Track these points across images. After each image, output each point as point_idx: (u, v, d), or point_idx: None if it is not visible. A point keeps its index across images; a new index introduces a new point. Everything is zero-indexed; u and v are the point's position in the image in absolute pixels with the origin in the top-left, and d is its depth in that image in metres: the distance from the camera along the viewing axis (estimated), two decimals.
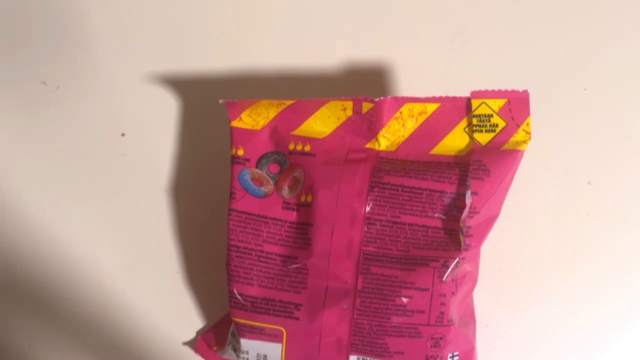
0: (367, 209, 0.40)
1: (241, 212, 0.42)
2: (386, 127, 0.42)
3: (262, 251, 0.42)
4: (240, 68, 0.49)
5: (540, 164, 0.47)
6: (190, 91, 0.49)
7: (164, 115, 0.49)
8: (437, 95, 0.43)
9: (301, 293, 0.41)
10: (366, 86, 0.49)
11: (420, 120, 0.42)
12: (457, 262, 0.40)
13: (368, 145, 0.42)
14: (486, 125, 0.41)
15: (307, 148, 0.42)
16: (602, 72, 0.48)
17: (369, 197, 0.40)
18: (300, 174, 0.42)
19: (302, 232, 0.41)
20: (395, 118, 0.42)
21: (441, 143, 0.41)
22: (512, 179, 0.40)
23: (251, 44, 0.49)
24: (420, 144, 0.42)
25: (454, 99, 0.41)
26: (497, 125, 0.40)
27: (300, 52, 0.49)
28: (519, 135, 0.40)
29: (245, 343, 0.42)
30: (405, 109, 0.41)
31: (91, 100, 0.49)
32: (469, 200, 0.39)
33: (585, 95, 0.48)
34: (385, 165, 0.41)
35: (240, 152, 0.42)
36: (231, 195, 0.42)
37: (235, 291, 0.42)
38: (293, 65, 0.49)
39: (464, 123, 0.41)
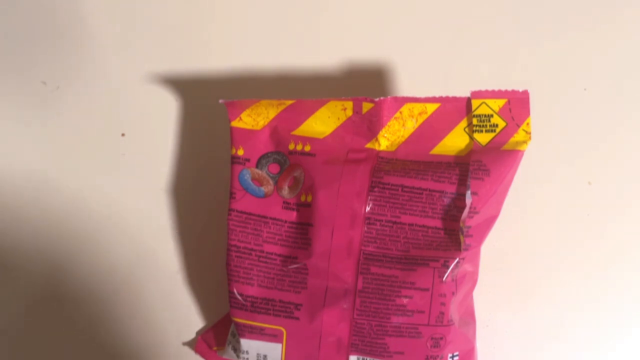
0: (367, 209, 0.40)
1: (241, 212, 0.42)
2: (386, 127, 0.42)
3: (262, 251, 0.42)
4: (240, 68, 0.49)
5: (540, 164, 0.47)
6: (190, 91, 0.49)
7: (164, 115, 0.49)
8: (437, 95, 0.43)
9: (301, 293, 0.41)
10: (366, 86, 0.49)
11: (420, 120, 0.42)
12: (457, 262, 0.40)
13: (368, 145, 0.42)
14: (486, 125, 0.41)
15: (307, 148, 0.42)
16: (602, 72, 0.48)
17: (369, 197, 0.40)
18: (300, 174, 0.42)
19: (302, 232, 0.41)
20: (395, 118, 0.42)
21: (441, 143, 0.41)
22: (512, 179, 0.40)
23: (251, 44, 0.49)
24: (420, 144, 0.42)
25: (454, 99, 0.41)
26: (497, 126, 0.40)
27: (300, 52, 0.49)
28: (519, 136, 0.40)
29: (245, 343, 0.42)
30: (405, 109, 0.41)
31: (91, 100, 0.49)
32: (469, 200, 0.39)
33: (585, 95, 0.48)
34: (385, 165, 0.41)
35: (240, 152, 0.42)
36: (231, 195, 0.42)
37: (235, 291, 0.42)
38: (293, 65, 0.49)
39: (464, 123, 0.41)
